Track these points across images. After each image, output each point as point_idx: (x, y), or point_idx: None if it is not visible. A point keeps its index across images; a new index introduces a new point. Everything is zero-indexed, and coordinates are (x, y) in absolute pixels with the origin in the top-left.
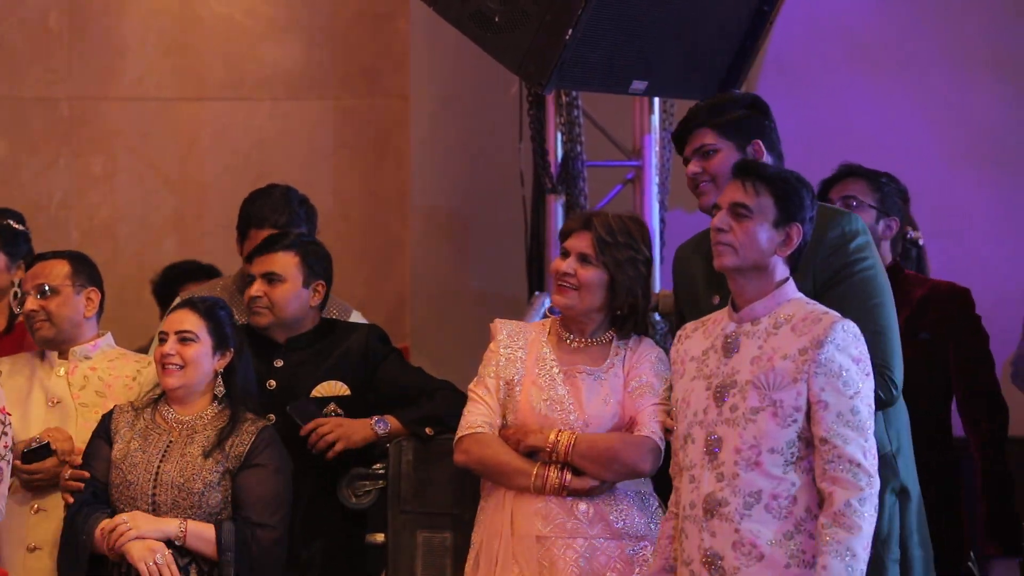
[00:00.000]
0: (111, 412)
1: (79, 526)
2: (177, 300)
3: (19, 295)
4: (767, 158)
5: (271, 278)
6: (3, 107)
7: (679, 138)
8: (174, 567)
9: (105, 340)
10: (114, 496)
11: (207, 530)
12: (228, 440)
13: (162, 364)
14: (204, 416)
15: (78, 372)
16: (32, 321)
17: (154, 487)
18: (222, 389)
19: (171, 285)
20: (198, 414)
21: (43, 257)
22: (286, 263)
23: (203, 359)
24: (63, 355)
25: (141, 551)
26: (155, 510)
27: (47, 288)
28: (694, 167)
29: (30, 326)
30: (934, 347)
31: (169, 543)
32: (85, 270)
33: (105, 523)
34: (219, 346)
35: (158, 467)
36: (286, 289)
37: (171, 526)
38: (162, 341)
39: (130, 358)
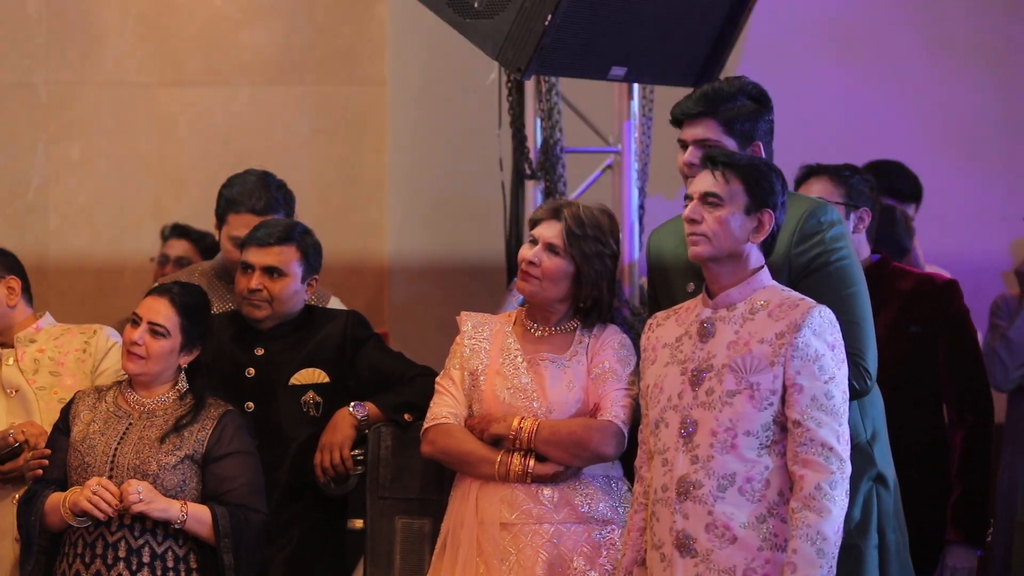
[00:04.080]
0: (72, 400)
1: (31, 508)
2: (158, 284)
3: None
4: None
5: (273, 272)
6: None
7: (678, 119)
8: (112, 488)
9: (45, 320)
10: (73, 479)
11: (205, 513)
12: (188, 426)
13: (127, 348)
14: (165, 400)
15: (27, 356)
16: None
17: (111, 469)
18: (185, 385)
19: (181, 234)
20: (159, 398)
21: None
22: (288, 258)
23: (169, 355)
24: (7, 345)
25: (74, 496)
26: None
27: None
28: (692, 157)
29: None
30: (925, 340)
31: (145, 529)
32: (1, 260)
33: (102, 481)
34: (187, 343)
35: (115, 449)
36: (287, 284)
37: (175, 507)
38: (134, 324)
39: (75, 331)
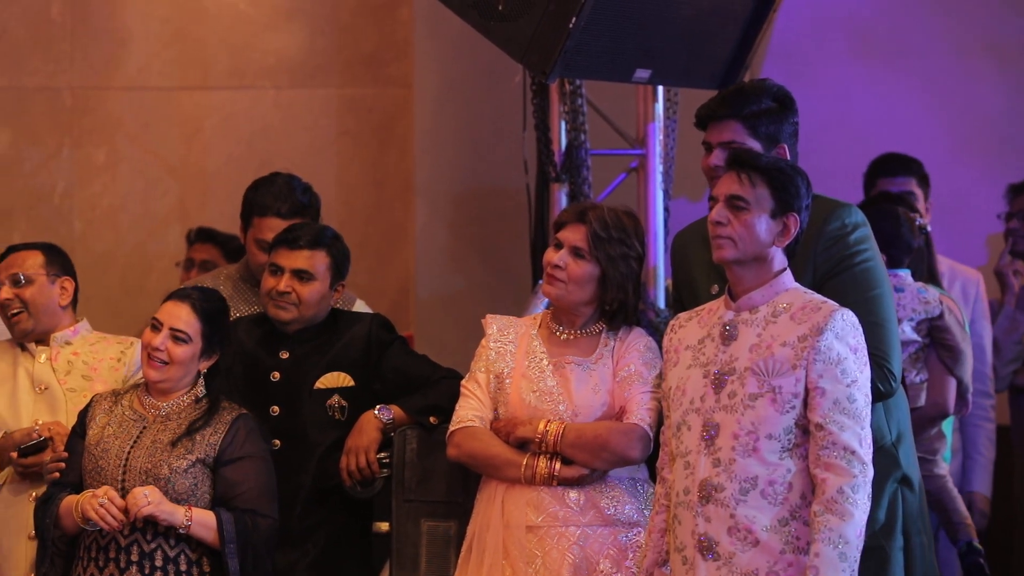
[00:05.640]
0: (89, 403)
1: (47, 510)
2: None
3: None
4: None
5: (302, 275)
6: (6, 97)
7: (703, 121)
8: (119, 502)
9: (83, 325)
10: (87, 482)
11: (210, 518)
12: (201, 430)
13: (147, 354)
14: (180, 403)
15: (61, 357)
16: (7, 311)
17: (123, 473)
18: (202, 390)
19: (207, 238)
20: (174, 401)
21: (16, 248)
22: (318, 262)
23: (190, 361)
24: (43, 342)
25: (84, 502)
26: (124, 496)
27: (22, 277)
28: (716, 159)
29: (6, 317)
30: None
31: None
32: (59, 260)
33: (110, 493)
34: (208, 349)
35: (129, 453)
36: (315, 289)
37: (180, 512)
38: (154, 329)
39: (111, 340)
